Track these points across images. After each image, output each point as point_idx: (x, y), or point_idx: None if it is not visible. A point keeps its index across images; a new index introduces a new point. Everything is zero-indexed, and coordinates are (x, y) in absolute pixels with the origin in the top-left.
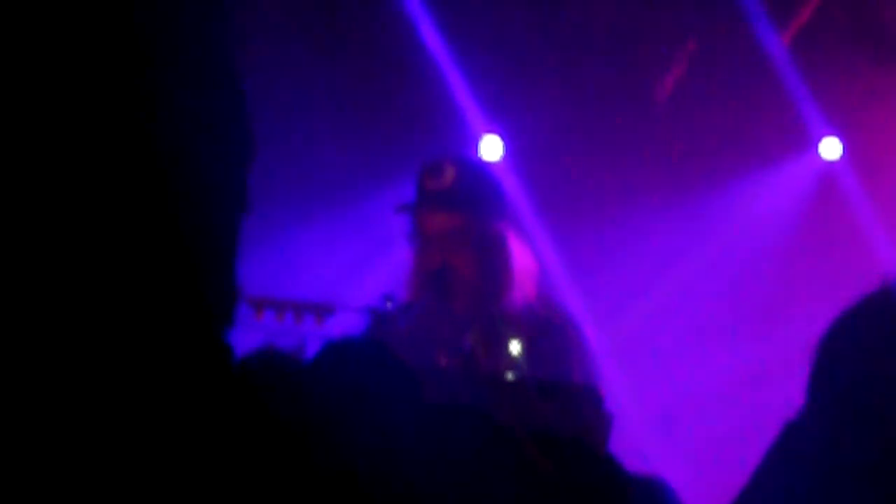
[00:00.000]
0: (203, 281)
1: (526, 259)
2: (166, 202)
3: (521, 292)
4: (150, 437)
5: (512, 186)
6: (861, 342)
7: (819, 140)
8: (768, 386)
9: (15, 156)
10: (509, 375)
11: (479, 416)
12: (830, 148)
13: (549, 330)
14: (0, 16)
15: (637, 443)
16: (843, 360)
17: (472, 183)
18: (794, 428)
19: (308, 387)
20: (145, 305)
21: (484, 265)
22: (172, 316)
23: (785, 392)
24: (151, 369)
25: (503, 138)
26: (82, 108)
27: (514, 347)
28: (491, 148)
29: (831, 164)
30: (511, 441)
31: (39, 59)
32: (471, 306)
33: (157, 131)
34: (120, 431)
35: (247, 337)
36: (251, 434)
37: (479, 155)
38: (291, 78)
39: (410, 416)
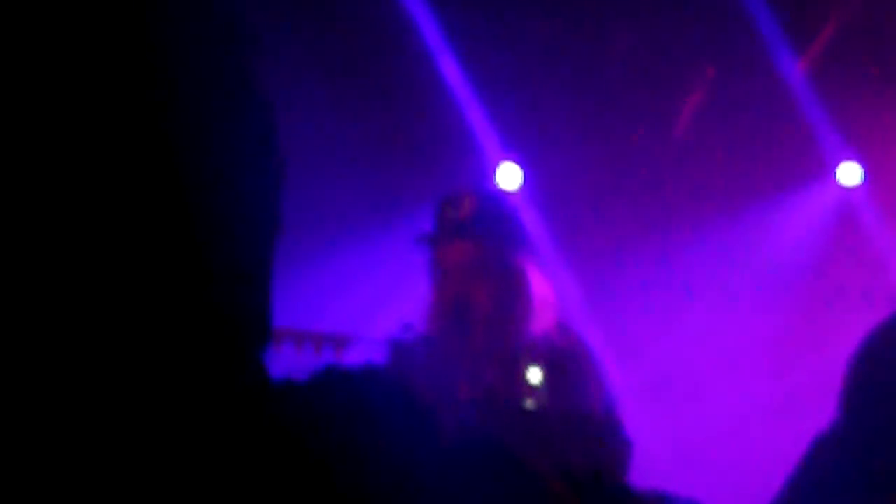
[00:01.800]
0: (241, 303)
1: (544, 289)
2: (202, 224)
3: (540, 322)
4: (173, 448)
5: (530, 215)
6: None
7: (837, 166)
8: (790, 416)
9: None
10: (528, 404)
11: (500, 450)
12: (849, 173)
13: (567, 359)
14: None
15: (656, 472)
16: (877, 372)
17: (490, 213)
18: (827, 440)
19: (321, 415)
20: (180, 329)
21: (502, 295)
22: (208, 338)
23: (808, 421)
24: (181, 389)
25: (522, 167)
26: (119, 134)
27: (534, 376)
28: (509, 177)
29: (850, 189)
30: (536, 476)
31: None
32: (489, 337)
33: (193, 154)
34: (143, 448)
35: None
36: (271, 455)
37: (496, 184)
38: (310, 111)
39: (428, 450)
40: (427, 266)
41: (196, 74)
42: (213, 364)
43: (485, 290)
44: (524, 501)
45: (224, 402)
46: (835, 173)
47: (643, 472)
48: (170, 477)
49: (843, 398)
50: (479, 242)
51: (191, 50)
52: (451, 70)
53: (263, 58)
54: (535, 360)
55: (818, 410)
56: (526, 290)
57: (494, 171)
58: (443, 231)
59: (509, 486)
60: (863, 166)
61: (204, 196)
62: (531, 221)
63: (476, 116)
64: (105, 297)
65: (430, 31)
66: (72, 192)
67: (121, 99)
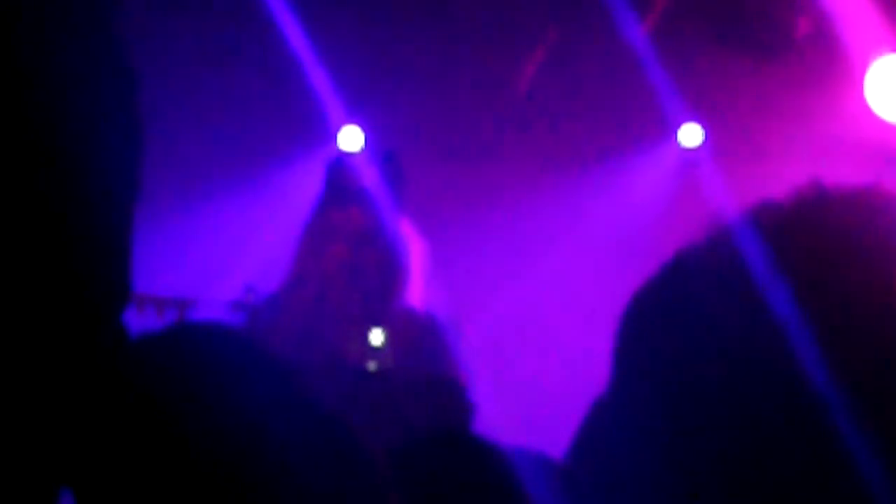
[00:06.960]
0: (100, 267)
1: (422, 259)
2: (59, 190)
3: (412, 291)
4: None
5: (373, 177)
6: (660, 313)
7: (679, 127)
8: None
9: None
10: (372, 366)
11: (328, 417)
12: (691, 135)
13: (411, 322)
14: None
15: (501, 432)
16: (638, 335)
17: (383, 181)
18: (600, 405)
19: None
20: (38, 294)
21: (387, 266)
22: (67, 302)
23: None
24: (41, 359)
25: (364, 129)
26: None
27: (376, 338)
28: (351, 139)
29: (692, 150)
30: (359, 447)
31: None
32: (369, 304)
33: (48, 118)
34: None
35: None
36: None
37: (338, 146)
38: (154, 72)
39: (277, 409)
40: (309, 229)
41: (53, 35)
42: (72, 327)
43: (373, 258)
44: (345, 470)
45: (83, 365)
46: (676, 135)
47: (487, 431)
48: (27, 434)
49: (612, 359)
50: (369, 210)
51: (47, 10)
52: (294, 31)
53: (124, 18)
54: (378, 322)
55: None
56: (408, 264)
57: (337, 133)
58: (334, 196)
59: (333, 455)
60: (703, 128)
61: (60, 160)
62: (374, 182)
63: (319, 77)
64: None
65: None
66: None
67: None
